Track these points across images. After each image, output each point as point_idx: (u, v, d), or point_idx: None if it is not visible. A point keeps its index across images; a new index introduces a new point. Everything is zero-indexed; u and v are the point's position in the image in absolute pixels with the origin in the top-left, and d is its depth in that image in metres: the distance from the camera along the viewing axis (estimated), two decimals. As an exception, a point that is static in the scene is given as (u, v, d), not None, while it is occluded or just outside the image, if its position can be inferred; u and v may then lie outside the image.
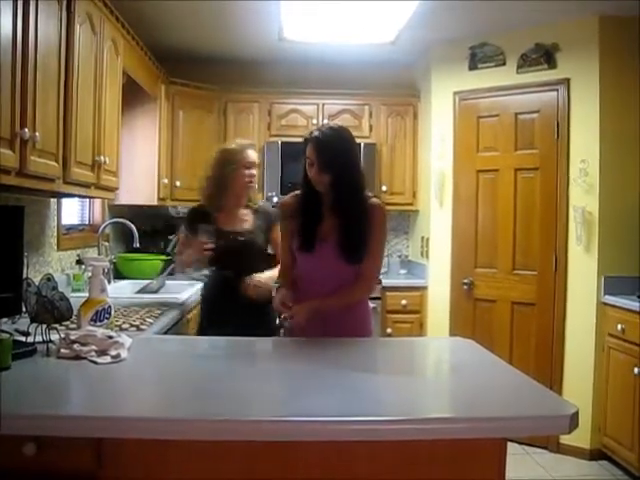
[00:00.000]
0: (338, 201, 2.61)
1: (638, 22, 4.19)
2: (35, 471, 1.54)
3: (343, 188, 2.57)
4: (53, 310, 2.13)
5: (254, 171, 3.37)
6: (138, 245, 4.33)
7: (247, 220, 3.37)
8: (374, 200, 2.69)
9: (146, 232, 5.25)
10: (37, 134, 2.38)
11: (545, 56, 4.55)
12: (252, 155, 3.38)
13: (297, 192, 2.78)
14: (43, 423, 1.50)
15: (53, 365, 1.98)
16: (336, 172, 2.54)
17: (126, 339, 2.15)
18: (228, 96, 5.49)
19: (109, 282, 3.55)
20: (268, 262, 3.26)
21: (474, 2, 4.14)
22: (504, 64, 4.78)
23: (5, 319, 2.48)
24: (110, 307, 2.39)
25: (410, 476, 1.64)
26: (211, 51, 5.44)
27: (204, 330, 3.30)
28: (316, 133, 2.59)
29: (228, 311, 3.19)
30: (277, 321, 2.98)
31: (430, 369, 2.33)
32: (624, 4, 4.05)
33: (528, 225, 4.68)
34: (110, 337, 2.10)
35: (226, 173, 3.33)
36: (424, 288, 5.22)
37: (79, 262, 3.98)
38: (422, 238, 5.46)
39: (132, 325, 2.86)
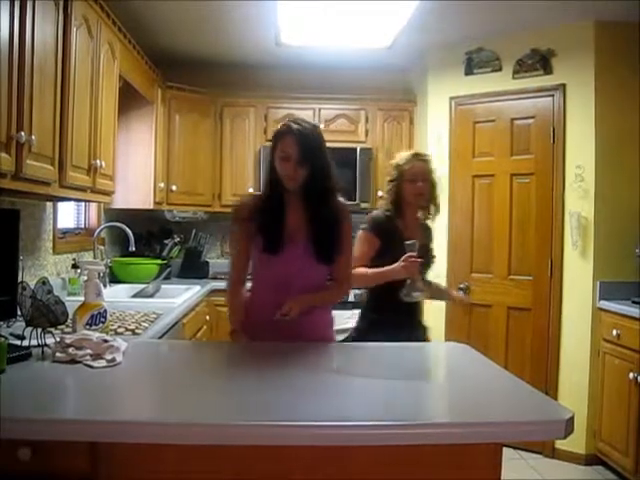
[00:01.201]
0: (311, 198, 2.53)
1: (634, 27, 4.21)
2: (30, 475, 1.54)
3: (319, 184, 2.49)
4: (48, 314, 2.13)
5: (420, 184, 3.19)
6: (134, 249, 4.33)
7: (420, 233, 3.24)
8: (343, 202, 2.64)
9: (142, 236, 5.26)
10: (33, 137, 2.38)
11: (541, 62, 4.57)
12: (417, 167, 3.23)
13: (252, 194, 2.76)
14: (38, 427, 1.50)
15: (48, 369, 1.97)
16: (314, 167, 2.46)
17: (121, 343, 2.15)
18: (224, 100, 5.50)
19: (105, 286, 3.53)
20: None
21: (470, 7, 4.15)
22: (500, 69, 4.79)
23: (0, 323, 2.47)
24: (105, 311, 2.39)
25: (405, 481, 1.64)
26: (208, 55, 5.44)
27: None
28: (295, 126, 2.48)
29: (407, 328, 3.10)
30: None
31: (425, 374, 2.33)
32: (620, 9, 4.07)
33: (524, 230, 4.68)
34: (105, 341, 2.09)
35: (396, 183, 3.26)
36: (420, 292, 5.21)
37: (75, 266, 3.97)
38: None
39: (127, 329, 2.85)
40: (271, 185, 2.56)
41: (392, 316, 3.03)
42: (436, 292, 3.46)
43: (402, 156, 3.30)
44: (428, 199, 3.27)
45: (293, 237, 2.51)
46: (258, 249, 2.53)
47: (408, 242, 2.89)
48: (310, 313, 2.54)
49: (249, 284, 2.69)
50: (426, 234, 3.37)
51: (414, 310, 3.25)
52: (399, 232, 3.15)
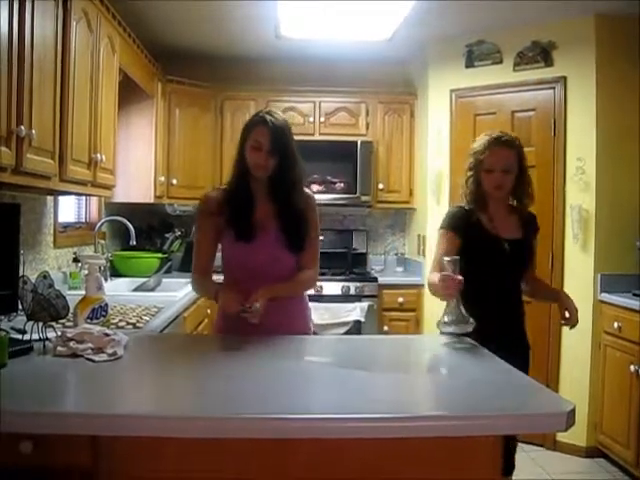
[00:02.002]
0: (279, 188, 2.59)
1: (634, 21, 4.20)
2: (32, 469, 1.54)
3: (287, 174, 2.56)
4: (49, 308, 2.13)
5: (498, 174, 2.79)
6: (135, 243, 4.33)
7: (512, 228, 2.87)
8: (308, 192, 2.71)
9: (142, 230, 5.25)
10: (33, 131, 2.38)
11: (542, 54, 4.55)
12: (496, 154, 2.80)
13: (218, 187, 2.78)
14: (39, 421, 1.50)
15: (49, 363, 1.97)
16: (283, 157, 2.52)
17: (123, 337, 2.15)
18: (224, 94, 5.49)
19: (105, 280, 3.54)
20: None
21: (471, 0, 4.14)
22: (501, 62, 4.78)
23: (1, 317, 2.47)
24: (107, 305, 2.39)
25: (405, 474, 1.64)
26: (208, 49, 5.43)
27: None
28: (269, 117, 2.55)
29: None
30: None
31: (426, 367, 2.33)
32: (620, 3, 4.06)
33: (525, 223, 4.67)
34: (107, 335, 2.09)
35: (473, 173, 2.91)
36: (421, 286, 5.21)
37: (75, 260, 3.98)
38: (419, 236, 5.46)
39: (129, 323, 2.85)
40: (239, 175, 2.62)
41: (478, 324, 2.43)
42: (544, 295, 3.19)
43: (479, 141, 2.89)
44: (511, 191, 2.86)
45: (263, 226, 2.57)
46: (229, 240, 2.58)
47: (447, 259, 2.40)
48: (283, 304, 2.53)
49: (217, 277, 2.73)
50: (525, 229, 2.90)
51: (510, 319, 2.90)
52: (483, 228, 2.81)
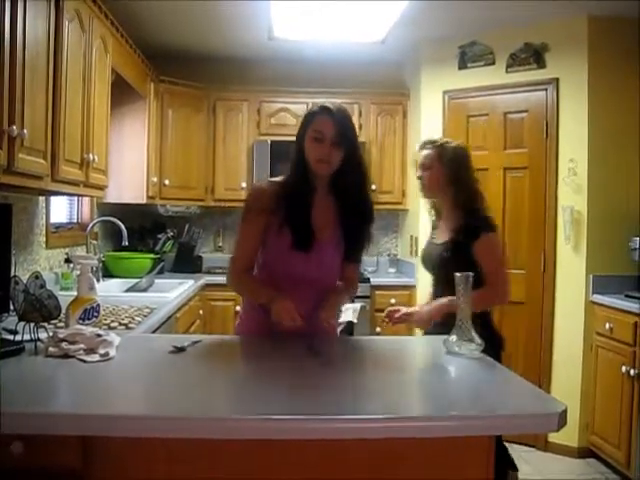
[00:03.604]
0: (343, 188, 2.35)
1: (627, 22, 4.22)
2: (22, 469, 1.53)
3: (355, 171, 2.34)
4: (41, 308, 2.12)
5: (420, 172, 2.95)
6: (127, 243, 4.32)
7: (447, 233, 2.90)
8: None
9: (135, 230, 5.25)
10: (25, 131, 2.37)
11: (534, 56, 4.57)
12: (422, 155, 2.96)
13: (272, 180, 2.44)
14: (30, 421, 1.49)
15: (41, 364, 1.97)
16: (350, 151, 2.29)
17: (115, 337, 2.15)
18: (217, 94, 5.49)
19: (98, 280, 3.53)
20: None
21: (463, 1, 4.15)
22: (493, 63, 4.79)
23: (-7, 317, 2.47)
24: (99, 305, 2.38)
25: (397, 474, 1.64)
26: (201, 49, 5.43)
27: None
28: (331, 105, 2.30)
29: None
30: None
31: (418, 367, 2.33)
32: (613, 4, 4.08)
33: (517, 224, 4.69)
34: (99, 335, 2.09)
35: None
36: (413, 287, 5.23)
37: (67, 260, 3.97)
38: (411, 237, 5.46)
39: (121, 324, 2.85)
40: (298, 172, 2.34)
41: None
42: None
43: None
44: (435, 190, 2.94)
45: (322, 232, 2.34)
46: (281, 245, 2.32)
47: (458, 275, 2.21)
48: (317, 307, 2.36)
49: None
50: (455, 235, 2.83)
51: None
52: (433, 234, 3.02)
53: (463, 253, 2.74)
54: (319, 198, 2.37)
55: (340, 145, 2.26)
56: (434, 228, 3.08)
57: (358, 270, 2.59)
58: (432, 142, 2.97)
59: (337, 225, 2.38)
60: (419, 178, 2.97)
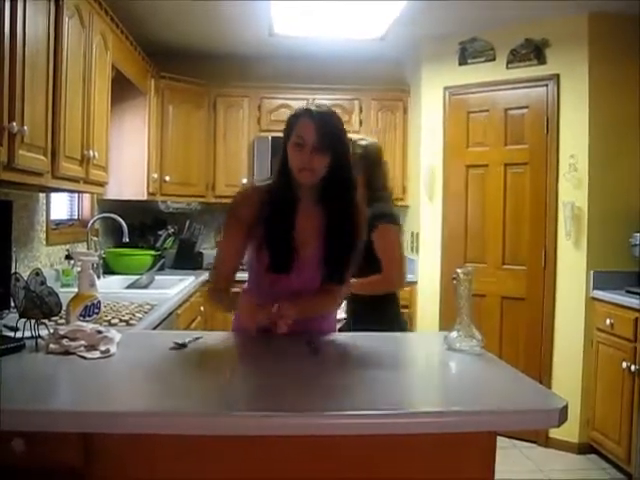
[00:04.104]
0: (329, 199, 2.18)
1: (627, 19, 4.22)
2: (23, 467, 1.53)
3: (339, 180, 2.15)
4: (42, 305, 2.12)
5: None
6: (127, 240, 4.32)
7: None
8: (362, 205, 2.32)
9: (135, 227, 5.24)
10: (25, 128, 2.37)
11: (535, 52, 4.56)
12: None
13: (260, 183, 2.28)
14: (31, 418, 1.49)
15: (42, 360, 1.97)
16: (336, 156, 2.11)
17: (115, 334, 2.15)
18: (218, 91, 5.49)
19: (98, 277, 3.53)
20: None
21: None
22: (494, 59, 4.79)
23: (-7, 314, 2.47)
24: (99, 302, 2.38)
25: (399, 470, 1.64)
26: (201, 46, 5.42)
27: None
28: (313, 107, 2.15)
29: None
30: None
31: (419, 363, 2.33)
32: (613, 2, 4.08)
33: (517, 220, 4.69)
34: (99, 332, 2.09)
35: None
36: (414, 283, 5.23)
37: (68, 257, 3.97)
38: (412, 233, 5.46)
39: (122, 320, 2.85)
40: (282, 179, 2.19)
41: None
42: None
43: None
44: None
45: (305, 249, 2.18)
46: (262, 264, 2.20)
47: (459, 270, 2.31)
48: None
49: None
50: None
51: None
52: None
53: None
54: (304, 208, 2.21)
55: (323, 151, 2.09)
56: None
57: (341, 290, 2.34)
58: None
59: (321, 238, 2.20)
60: None
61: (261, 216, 2.17)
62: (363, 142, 3.06)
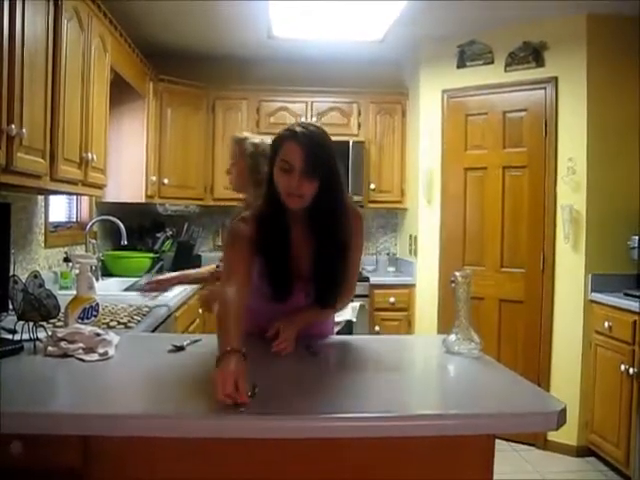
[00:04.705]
0: (318, 225, 2.10)
1: (626, 21, 4.23)
2: (22, 469, 1.53)
3: (332, 203, 2.08)
4: (40, 308, 2.12)
5: (230, 166, 3.09)
6: (126, 242, 4.32)
7: None
8: (355, 209, 2.26)
9: (134, 230, 5.24)
10: (24, 130, 2.36)
11: (533, 54, 4.57)
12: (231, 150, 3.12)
13: (245, 217, 2.14)
14: (30, 421, 1.49)
15: (40, 363, 1.96)
16: (323, 182, 2.02)
17: (114, 337, 2.15)
18: (216, 93, 5.49)
19: (97, 280, 3.52)
20: None
21: (463, 1, 4.14)
22: (492, 62, 4.79)
23: (-8, 317, 2.46)
24: (98, 305, 2.38)
25: (398, 472, 1.64)
26: (200, 48, 5.43)
27: None
28: (300, 129, 2.03)
29: None
30: None
31: (418, 366, 2.33)
32: (612, 3, 4.08)
33: (516, 223, 4.69)
34: (98, 335, 2.09)
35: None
36: (412, 286, 5.24)
37: (66, 259, 3.96)
38: (410, 236, 5.47)
39: (120, 323, 2.85)
40: (271, 206, 2.10)
41: None
42: None
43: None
44: (240, 184, 3.04)
45: (299, 274, 2.14)
46: (259, 291, 2.13)
47: (458, 273, 2.32)
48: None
49: None
50: None
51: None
52: None
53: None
54: (297, 234, 2.13)
55: (311, 176, 1.99)
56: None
57: (344, 288, 2.24)
58: (238, 138, 3.08)
59: (311, 267, 2.14)
60: (228, 172, 3.12)
61: (257, 247, 2.09)
62: (254, 140, 3.05)
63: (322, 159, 2.01)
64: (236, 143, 3.05)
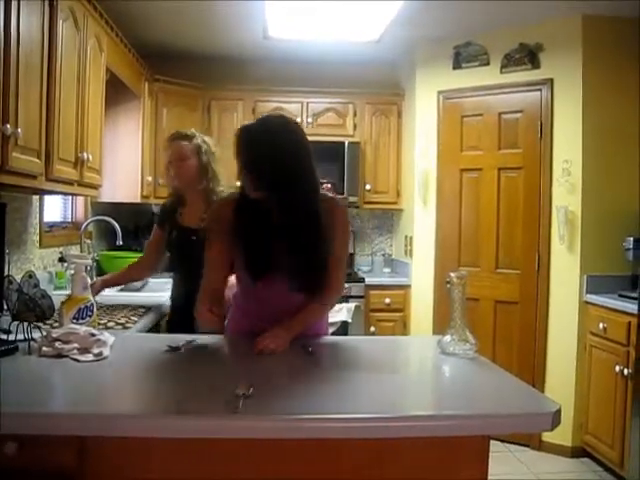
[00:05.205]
0: (281, 214, 2.17)
1: (621, 22, 4.23)
2: (16, 470, 1.53)
3: (284, 196, 2.14)
4: (35, 308, 2.12)
5: (181, 162, 3.13)
6: (121, 243, 4.31)
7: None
8: (333, 199, 2.33)
9: (129, 230, 5.23)
10: (19, 130, 2.36)
11: (529, 56, 4.57)
12: (175, 146, 3.17)
13: (230, 196, 2.34)
14: (24, 421, 1.49)
15: (35, 363, 1.96)
16: (267, 173, 2.10)
17: (109, 337, 2.14)
18: (212, 94, 5.48)
19: (92, 280, 3.52)
20: None
21: (459, 2, 4.15)
22: (488, 64, 4.80)
23: (-14, 317, 2.46)
24: (92, 305, 2.38)
25: (392, 473, 1.64)
26: (195, 48, 5.42)
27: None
28: (245, 125, 2.19)
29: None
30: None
31: (413, 367, 2.34)
32: (607, 4, 4.09)
33: (511, 224, 4.70)
34: (92, 335, 2.08)
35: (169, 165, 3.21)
36: (408, 287, 5.24)
37: (61, 260, 3.95)
38: (406, 237, 5.47)
39: (117, 323, 2.85)
40: (245, 198, 2.23)
41: None
42: None
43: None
44: (189, 180, 3.15)
45: (275, 262, 2.20)
46: (247, 287, 2.32)
47: (453, 274, 2.35)
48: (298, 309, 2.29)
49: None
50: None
51: None
52: (178, 220, 3.19)
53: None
54: (272, 218, 2.22)
55: (250, 170, 2.13)
56: (173, 213, 3.22)
57: (332, 282, 2.28)
58: (187, 135, 3.21)
59: (288, 254, 2.19)
60: (169, 168, 3.16)
61: (236, 226, 2.21)
62: (206, 138, 3.29)
63: (259, 154, 2.11)
64: (185, 139, 3.17)
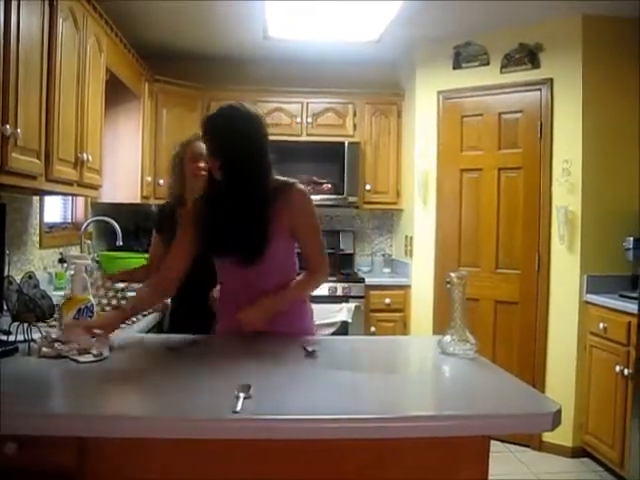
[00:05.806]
0: (231, 192, 2.35)
1: (621, 22, 4.23)
2: (16, 470, 1.53)
3: (234, 177, 2.33)
4: (35, 308, 2.12)
5: (202, 163, 3.12)
6: (121, 243, 4.30)
7: None
8: (289, 184, 2.41)
9: (129, 230, 5.22)
10: (19, 130, 2.36)
11: (529, 56, 4.57)
12: (198, 147, 3.17)
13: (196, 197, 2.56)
14: (24, 422, 1.49)
15: (35, 364, 1.96)
16: (226, 157, 2.32)
17: (108, 337, 2.14)
18: (212, 94, 5.46)
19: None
20: None
21: (459, 2, 4.14)
22: (488, 64, 4.80)
23: (-14, 317, 2.45)
24: (92, 305, 2.38)
25: (392, 474, 1.64)
26: (195, 49, 5.42)
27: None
28: (208, 115, 2.42)
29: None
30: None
31: (413, 367, 2.34)
32: (607, 4, 4.09)
33: (511, 224, 4.70)
34: (92, 336, 2.08)
35: (178, 165, 3.26)
36: (408, 287, 5.24)
37: (61, 260, 3.95)
38: (406, 237, 5.47)
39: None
40: (211, 187, 2.47)
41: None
42: None
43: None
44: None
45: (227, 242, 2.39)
46: (223, 269, 2.49)
47: (453, 274, 2.39)
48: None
49: None
50: None
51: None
52: (178, 220, 3.08)
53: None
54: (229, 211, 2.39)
55: (214, 156, 2.35)
56: (172, 214, 3.16)
57: (313, 265, 2.47)
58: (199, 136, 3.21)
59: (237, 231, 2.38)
60: (202, 169, 3.06)
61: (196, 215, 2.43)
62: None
63: (221, 141, 2.33)
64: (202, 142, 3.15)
